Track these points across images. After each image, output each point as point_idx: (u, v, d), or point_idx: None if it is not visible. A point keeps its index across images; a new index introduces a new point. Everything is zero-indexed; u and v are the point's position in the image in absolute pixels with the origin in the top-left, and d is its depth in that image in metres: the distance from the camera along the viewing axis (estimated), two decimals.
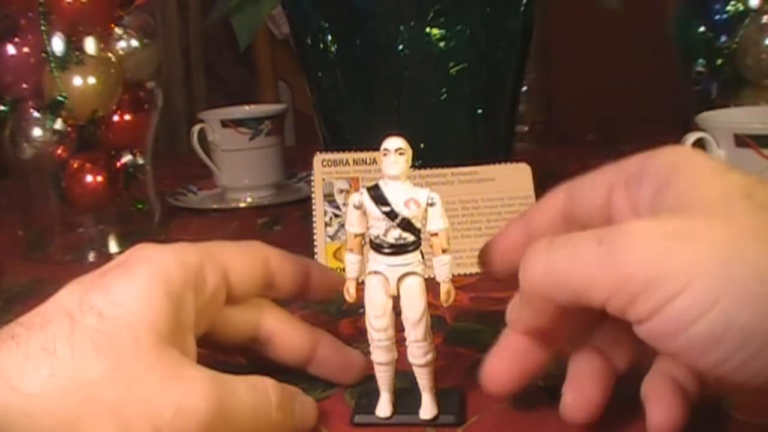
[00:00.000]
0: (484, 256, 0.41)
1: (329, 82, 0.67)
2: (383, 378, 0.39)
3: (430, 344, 0.38)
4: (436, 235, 0.37)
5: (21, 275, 0.67)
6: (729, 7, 0.74)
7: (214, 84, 1.80)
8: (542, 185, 0.59)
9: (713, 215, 0.30)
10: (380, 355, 0.38)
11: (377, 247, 0.37)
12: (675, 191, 0.33)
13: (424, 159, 0.57)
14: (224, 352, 0.43)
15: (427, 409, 0.39)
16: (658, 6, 0.82)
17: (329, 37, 0.65)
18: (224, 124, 0.89)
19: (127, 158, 0.72)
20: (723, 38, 0.74)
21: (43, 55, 0.66)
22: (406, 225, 0.37)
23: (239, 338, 0.42)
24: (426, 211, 0.37)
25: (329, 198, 0.61)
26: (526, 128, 1.09)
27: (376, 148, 0.37)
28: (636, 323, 0.30)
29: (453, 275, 0.38)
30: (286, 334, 0.42)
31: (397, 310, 0.38)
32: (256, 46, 1.58)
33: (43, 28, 0.66)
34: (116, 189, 0.71)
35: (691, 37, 0.78)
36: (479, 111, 0.66)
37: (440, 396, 0.39)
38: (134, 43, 0.70)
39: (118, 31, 0.70)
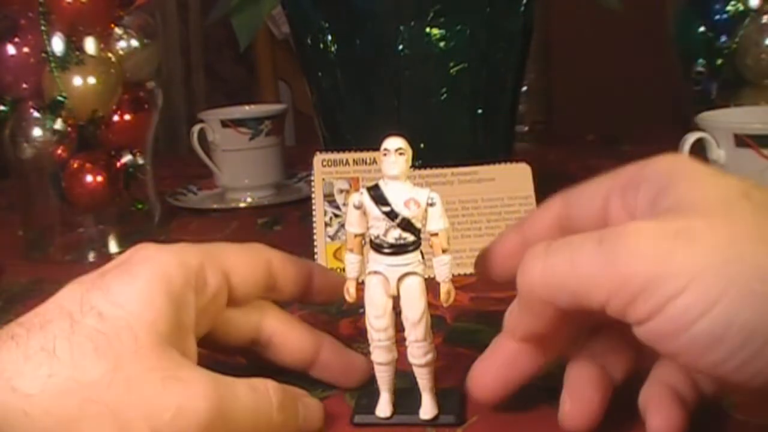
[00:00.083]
0: (481, 263, 0.41)
1: (329, 82, 0.67)
2: (383, 378, 0.39)
3: (430, 344, 0.38)
4: (436, 235, 0.37)
5: (21, 275, 0.67)
6: (729, 7, 0.74)
7: (214, 84, 1.80)
8: (542, 185, 0.59)
9: (713, 215, 0.30)
10: (380, 355, 0.38)
11: (377, 247, 0.37)
12: (674, 194, 0.33)
13: (424, 159, 0.57)
14: (225, 353, 0.43)
15: (427, 409, 0.39)
16: (658, 6, 0.82)
17: (329, 37, 0.65)
18: (224, 124, 0.89)
19: (127, 158, 0.72)
20: (723, 38, 0.74)
21: (43, 55, 0.66)
22: (406, 225, 0.37)
23: (241, 340, 0.42)
24: (426, 211, 0.37)
25: (329, 198, 0.61)
26: (526, 128, 1.09)
27: (376, 148, 0.37)
28: (636, 324, 0.30)
29: (453, 275, 0.38)
30: (288, 337, 0.42)
31: (397, 310, 0.38)
32: (256, 46, 1.58)
33: (43, 28, 0.66)
34: (116, 189, 0.71)
35: (691, 37, 0.78)
36: (479, 111, 0.66)
37: (440, 396, 0.39)
38: (134, 43, 0.70)
39: (118, 31, 0.70)
